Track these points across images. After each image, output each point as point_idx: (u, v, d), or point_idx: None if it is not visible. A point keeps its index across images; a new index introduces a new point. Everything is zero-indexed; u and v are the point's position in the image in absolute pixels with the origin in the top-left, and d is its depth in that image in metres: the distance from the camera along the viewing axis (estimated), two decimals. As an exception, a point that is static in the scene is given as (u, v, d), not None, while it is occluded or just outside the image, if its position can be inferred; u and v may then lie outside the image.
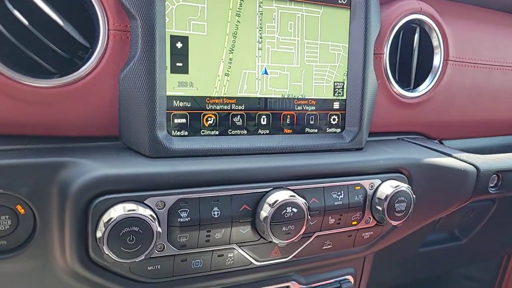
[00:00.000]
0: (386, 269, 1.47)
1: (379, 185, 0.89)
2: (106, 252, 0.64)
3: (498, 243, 1.69)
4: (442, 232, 1.54)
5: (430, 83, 1.02)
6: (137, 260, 0.67)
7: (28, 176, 0.65)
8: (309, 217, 0.78)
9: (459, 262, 1.71)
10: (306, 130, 0.88)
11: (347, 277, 1.03)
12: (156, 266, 0.73)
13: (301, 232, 0.78)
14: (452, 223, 1.41)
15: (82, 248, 0.68)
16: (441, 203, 1.00)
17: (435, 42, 1.02)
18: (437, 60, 1.02)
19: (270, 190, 0.78)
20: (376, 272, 1.24)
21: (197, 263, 0.76)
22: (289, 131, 0.86)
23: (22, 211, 0.68)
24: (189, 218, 0.72)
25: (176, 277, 0.76)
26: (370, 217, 0.90)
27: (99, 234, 0.65)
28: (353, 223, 0.88)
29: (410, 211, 0.89)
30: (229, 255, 0.78)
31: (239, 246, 0.78)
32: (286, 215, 0.76)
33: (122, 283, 0.73)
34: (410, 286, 2.37)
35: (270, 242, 0.80)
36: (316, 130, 0.89)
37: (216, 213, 0.73)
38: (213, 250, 0.76)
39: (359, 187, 0.87)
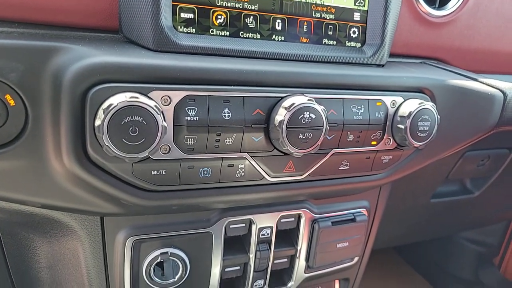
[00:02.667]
0: (397, 219, 1.42)
1: (402, 103, 0.82)
2: (106, 143, 0.58)
3: (510, 200, 1.63)
4: (454, 184, 1.49)
5: (457, 2, 0.94)
6: (140, 156, 0.60)
7: (17, 60, 0.58)
8: (327, 126, 0.71)
9: (470, 217, 1.66)
10: (324, 41, 0.81)
11: (361, 210, 0.98)
12: (161, 171, 0.66)
13: (319, 142, 0.71)
14: (466, 171, 1.35)
15: (79, 144, 0.61)
16: (465, 129, 0.93)
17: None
18: (464, -22, 0.95)
19: (286, 96, 0.71)
20: (387, 222, 1.18)
21: (205, 172, 0.70)
22: (305, 40, 0.79)
23: (12, 102, 0.61)
24: (197, 117, 0.65)
25: (182, 186, 0.69)
26: (390, 139, 0.83)
27: (98, 122, 0.58)
28: (373, 142, 0.82)
29: (433, 132, 0.83)
30: (240, 166, 0.72)
31: (251, 157, 0.72)
32: (304, 120, 0.69)
33: (124, 189, 0.66)
34: (416, 248, 2.35)
35: (284, 154, 0.74)
36: (334, 42, 0.82)
37: (226, 115, 0.67)
38: (222, 158, 0.70)
39: (380, 103, 0.80)
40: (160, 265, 0.80)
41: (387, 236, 1.44)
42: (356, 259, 1.03)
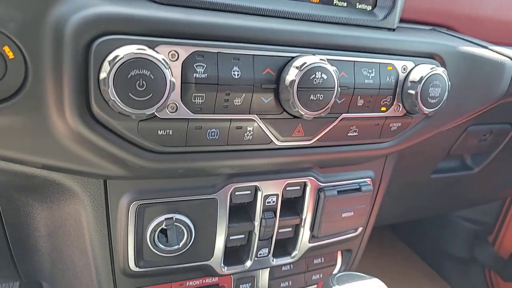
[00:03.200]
0: (397, 196, 1.42)
1: (412, 68, 0.80)
2: (112, 98, 0.55)
3: (509, 178, 1.64)
4: (454, 160, 1.48)
5: (469, -33, 0.92)
6: (147, 113, 0.57)
7: (15, 7, 0.55)
8: (339, 88, 0.69)
9: (469, 194, 1.66)
10: (334, 2, 0.78)
11: (366, 180, 0.96)
12: (168, 131, 0.64)
13: (330, 104, 0.69)
14: (468, 146, 1.34)
15: (83, 100, 0.58)
16: (474, 98, 0.92)
17: None
18: None
19: (296, 56, 0.68)
20: (387, 199, 1.18)
21: (213, 134, 0.67)
22: (315, 0, 0.76)
23: (10, 54, 0.58)
24: (205, 74, 0.62)
25: (189, 148, 0.67)
26: (400, 105, 0.81)
27: (103, 75, 0.55)
28: (382, 108, 0.80)
29: (444, 99, 0.81)
30: (248, 129, 0.70)
31: (260, 119, 0.70)
32: (315, 81, 0.67)
33: (129, 149, 0.64)
34: (411, 227, 2.37)
35: (294, 118, 0.72)
36: (345, 4, 0.79)
37: (236, 73, 0.64)
38: (231, 119, 0.67)
39: (391, 68, 0.78)
40: (164, 232, 0.78)
41: (385, 213, 1.44)
42: (360, 230, 1.03)
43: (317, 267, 1.04)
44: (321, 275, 1.06)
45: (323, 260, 1.05)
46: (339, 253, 1.09)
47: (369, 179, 0.97)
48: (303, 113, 0.68)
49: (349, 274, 0.80)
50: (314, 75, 0.66)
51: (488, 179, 1.58)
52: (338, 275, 0.79)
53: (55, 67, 0.57)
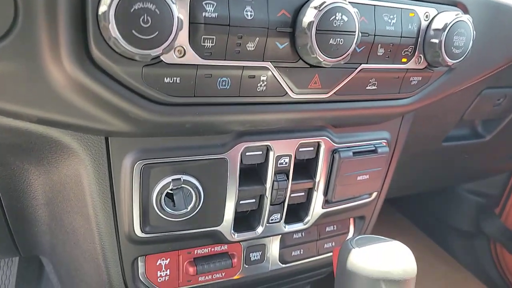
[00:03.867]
0: (407, 165, 1.38)
1: (435, 16, 0.74)
2: (113, 35, 0.49)
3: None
4: (465, 128, 1.44)
5: None
6: (152, 54, 0.52)
7: None
8: (360, 33, 0.64)
9: (480, 164, 1.62)
10: None
11: (382, 141, 0.91)
12: (175, 78, 0.58)
13: (350, 51, 0.64)
14: (481, 111, 1.29)
15: (81, 42, 0.52)
16: (497, 50, 0.87)
17: None
18: None
19: (314, -3, 0.62)
20: (396, 169, 1.13)
21: (224, 83, 0.62)
22: None
23: (-3, -8, 0.51)
24: (216, 14, 0.56)
25: (198, 98, 0.61)
26: (421, 56, 0.76)
27: (103, 8, 0.49)
28: (403, 60, 0.74)
29: (468, 49, 0.76)
30: (261, 78, 0.64)
31: (275, 67, 0.64)
32: (335, 23, 0.61)
33: (133, 100, 0.58)
34: (413, 201, 2.33)
35: (310, 67, 0.66)
36: None
37: (249, 13, 0.58)
38: (243, 67, 0.62)
39: (413, 14, 0.72)
40: (170, 196, 0.73)
41: (395, 184, 1.40)
42: (374, 195, 0.98)
43: (330, 235, 1.00)
44: (333, 243, 1.02)
45: (335, 228, 1.01)
46: (351, 221, 1.05)
47: (384, 141, 0.92)
48: (321, 60, 0.62)
49: (368, 237, 0.75)
50: (334, 17, 0.61)
51: (499, 148, 1.54)
52: (357, 237, 0.74)
53: (48, 2, 0.51)
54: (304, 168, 0.87)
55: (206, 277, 0.87)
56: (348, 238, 1.03)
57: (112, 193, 0.70)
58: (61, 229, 0.83)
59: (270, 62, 0.63)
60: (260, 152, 0.78)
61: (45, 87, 0.56)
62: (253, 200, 0.83)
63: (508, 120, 1.43)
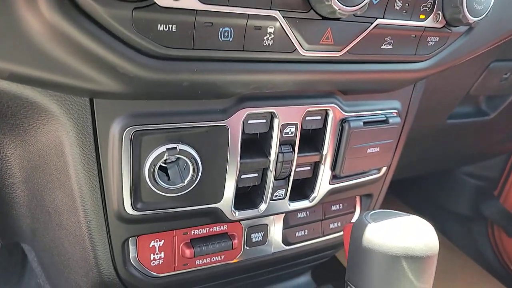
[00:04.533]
0: (410, 144, 1.32)
1: (456, -34, 0.68)
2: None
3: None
4: (469, 105, 1.39)
5: None
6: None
7: None
8: (378, -22, 0.56)
9: (482, 143, 1.57)
10: None
11: (392, 111, 0.85)
12: (170, 26, 0.50)
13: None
14: (488, 86, 1.24)
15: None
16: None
17: None
18: None
19: None
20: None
21: (226, 34, 0.54)
22: None
23: None
24: None
25: (197, 51, 0.53)
26: (440, 14, 0.69)
27: None
28: (421, 16, 0.68)
29: (490, 5, 0.69)
30: (268, 30, 0.56)
31: (283, 17, 0.56)
32: (352, -35, 0.54)
33: (122, 51, 0.50)
34: (410, 186, 2.29)
35: (323, 19, 0.59)
36: None
37: (255, -50, 0.50)
38: (248, 15, 0.54)
39: (433, -38, 0.66)
40: (164, 170, 0.65)
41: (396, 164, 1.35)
42: (383, 170, 0.92)
43: (335, 214, 0.94)
44: (339, 223, 0.95)
45: (341, 207, 0.95)
46: (357, 200, 0.98)
47: (395, 111, 0.85)
48: (336, 8, 0.55)
49: (383, 211, 0.69)
50: (351, -45, 0.53)
51: (502, 127, 1.49)
52: (372, 212, 0.68)
53: None
54: (310, 140, 0.79)
55: (204, 260, 0.80)
56: (351, 220, 0.97)
57: (99, 165, 0.62)
58: (42, 209, 0.75)
59: (279, 11, 0.55)
60: (264, 121, 0.71)
61: (19, 36, 0.47)
62: (256, 175, 0.75)
63: (512, 98, 1.39)
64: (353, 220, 0.98)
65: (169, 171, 0.65)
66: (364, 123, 0.79)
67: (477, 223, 2.08)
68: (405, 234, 0.61)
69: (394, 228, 0.62)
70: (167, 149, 0.62)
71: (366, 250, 0.63)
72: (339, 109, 0.76)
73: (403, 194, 2.39)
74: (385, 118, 0.82)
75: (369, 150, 0.82)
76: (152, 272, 0.76)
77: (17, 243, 1.00)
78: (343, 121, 0.77)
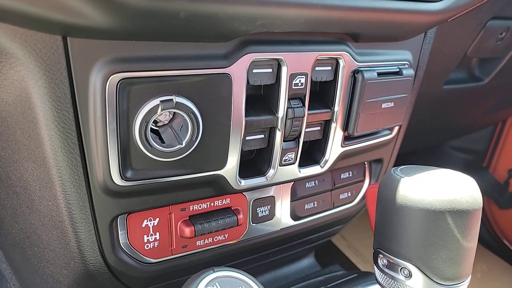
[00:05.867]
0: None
1: None
2: None
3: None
4: (463, 71, 1.35)
5: None
6: None
7: None
8: None
9: (479, 104, 1.53)
10: None
11: (404, 63, 0.77)
12: None
13: None
14: (484, 47, 1.20)
15: None
16: None
17: None
18: None
19: None
20: None
21: None
22: None
23: None
24: None
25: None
26: None
27: None
28: None
29: None
30: None
31: None
32: None
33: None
34: (404, 162, 2.25)
35: None
36: None
37: None
38: None
39: None
40: (157, 133, 0.55)
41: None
42: (395, 131, 0.84)
43: (345, 183, 0.85)
44: (349, 194, 0.87)
45: (351, 175, 0.86)
46: (367, 167, 0.90)
47: (407, 62, 0.77)
48: None
49: (411, 166, 0.60)
50: None
51: (495, 93, 1.46)
52: (401, 167, 0.59)
53: None
54: (319, 96, 0.70)
55: (206, 240, 0.69)
56: (365, 186, 0.89)
57: (77, 124, 0.50)
58: (8, 191, 0.62)
59: None
60: (270, 70, 0.61)
61: None
62: (262, 136, 0.65)
63: (505, 62, 1.35)
64: (363, 188, 0.90)
65: (162, 135, 0.54)
66: (378, 74, 0.71)
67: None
68: (446, 186, 0.53)
69: (432, 181, 0.54)
70: (161, 101, 0.51)
71: (401, 209, 0.54)
72: (351, 57, 0.67)
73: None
74: (398, 70, 0.74)
75: (384, 105, 0.73)
76: (146, 257, 0.65)
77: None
78: (356, 71, 0.69)
